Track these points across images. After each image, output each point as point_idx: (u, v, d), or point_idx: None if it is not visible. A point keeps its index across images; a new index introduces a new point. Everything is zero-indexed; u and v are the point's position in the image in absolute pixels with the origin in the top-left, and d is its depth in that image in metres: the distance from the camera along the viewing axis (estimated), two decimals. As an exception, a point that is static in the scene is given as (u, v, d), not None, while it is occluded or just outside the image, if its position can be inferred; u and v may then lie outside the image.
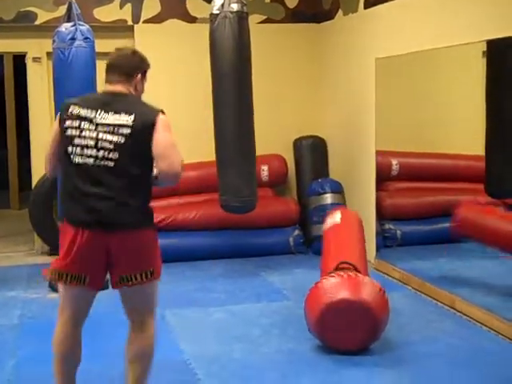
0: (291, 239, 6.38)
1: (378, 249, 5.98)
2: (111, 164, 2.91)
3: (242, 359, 3.98)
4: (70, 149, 2.97)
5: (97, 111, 2.97)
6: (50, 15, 6.42)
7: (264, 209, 6.30)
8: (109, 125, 2.93)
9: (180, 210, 6.32)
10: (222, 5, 5.39)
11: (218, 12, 5.41)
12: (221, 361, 3.95)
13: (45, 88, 6.51)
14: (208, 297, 5.22)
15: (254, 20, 6.78)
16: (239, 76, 5.47)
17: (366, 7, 6.05)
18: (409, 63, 5.82)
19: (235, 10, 5.39)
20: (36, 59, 6.61)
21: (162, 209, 6.33)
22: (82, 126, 2.97)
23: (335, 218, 4.85)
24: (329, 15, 6.80)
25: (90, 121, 2.96)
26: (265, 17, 6.92)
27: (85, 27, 5.27)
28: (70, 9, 5.31)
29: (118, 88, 3.06)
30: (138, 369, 3.02)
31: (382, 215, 6.09)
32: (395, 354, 3.78)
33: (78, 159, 2.95)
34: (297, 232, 6.43)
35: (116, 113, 2.95)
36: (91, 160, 2.92)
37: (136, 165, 2.92)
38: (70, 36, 5.17)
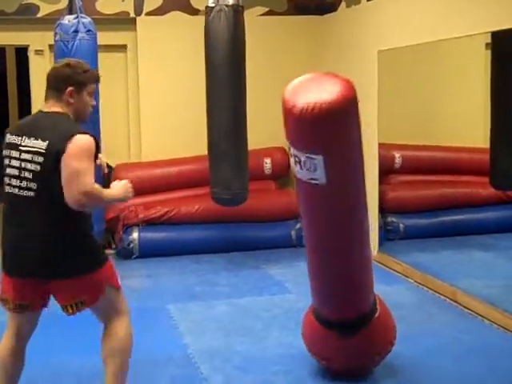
0: (293, 232, 6.38)
1: (380, 242, 5.98)
2: (32, 194, 2.78)
3: (245, 352, 3.99)
4: (5, 179, 2.87)
5: (22, 137, 2.83)
6: (52, 7, 6.40)
7: (266, 201, 6.30)
8: (28, 152, 2.78)
9: (182, 203, 6.32)
10: (218, -2, 5.41)
11: (213, 5, 5.42)
12: (223, 354, 3.96)
13: (47, 81, 6.49)
14: (210, 290, 5.23)
15: (256, 12, 6.77)
16: (233, 69, 5.47)
17: (368, -1, 6.03)
18: (411, 55, 5.81)
19: (231, 3, 5.40)
20: (38, 52, 6.59)
21: (164, 202, 6.34)
22: (10, 154, 2.85)
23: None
24: (332, 7, 6.78)
25: (16, 148, 2.83)
26: (267, 9, 6.90)
27: (87, 20, 5.27)
28: (72, 1, 5.31)
29: (49, 106, 2.91)
30: (110, 366, 3.00)
31: (384, 208, 6.08)
32: (396, 347, 3.77)
33: (8, 189, 2.85)
34: (299, 225, 6.42)
35: (35, 138, 2.78)
36: (16, 190, 2.81)
37: (61, 194, 2.71)
38: (72, 28, 5.18)
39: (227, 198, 5.60)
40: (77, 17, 5.20)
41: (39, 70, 6.59)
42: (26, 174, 2.78)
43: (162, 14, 6.69)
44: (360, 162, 2.98)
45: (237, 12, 5.45)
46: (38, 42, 6.53)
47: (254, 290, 5.20)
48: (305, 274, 5.43)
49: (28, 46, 6.62)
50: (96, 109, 5.25)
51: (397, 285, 5.23)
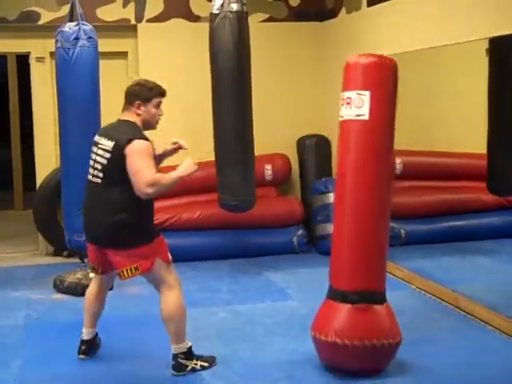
0: (295, 239, 6.37)
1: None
2: (99, 181, 3.65)
3: (246, 359, 3.98)
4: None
5: (101, 137, 3.70)
6: (53, 15, 6.41)
7: (268, 208, 6.30)
8: (101, 149, 3.65)
9: (184, 209, 6.32)
10: (222, 5, 5.41)
11: (217, 12, 5.42)
12: (225, 361, 3.95)
13: (48, 88, 6.50)
14: (212, 297, 5.22)
15: (256, 19, 6.77)
16: (238, 76, 5.47)
17: (369, 5, 6.04)
18: (412, 61, 5.81)
19: (235, 9, 5.40)
20: (39, 59, 6.60)
21: (166, 209, 6.33)
22: (93, 150, 3.73)
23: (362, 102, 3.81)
24: (332, 13, 6.79)
25: (96, 145, 3.71)
26: (267, 15, 6.91)
27: (88, 27, 5.27)
28: (72, 8, 5.31)
29: (124, 115, 3.74)
30: (167, 329, 3.76)
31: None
32: (398, 354, 3.76)
33: (88, 176, 3.75)
34: (300, 231, 6.43)
35: (107, 139, 3.64)
36: (90, 177, 3.72)
37: (117, 184, 3.58)
38: (73, 36, 5.18)
39: (235, 204, 5.61)
40: (78, 24, 5.20)
41: (40, 77, 6.62)
42: (98, 166, 3.64)
43: (162, 21, 6.70)
44: (394, 107, 3.78)
45: (241, 18, 5.45)
46: (39, 49, 6.54)
47: (255, 297, 5.20)
48: (307, 281, 5.48)
49: (29, 53, 6.63)
50: (98, 115, 5.34)
51: (398, 291, 5.21)
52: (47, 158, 6.60)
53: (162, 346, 4.20)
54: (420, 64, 6.05)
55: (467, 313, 4.65)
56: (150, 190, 3.49)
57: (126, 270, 3.63)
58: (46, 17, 6.44)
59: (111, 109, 6.42)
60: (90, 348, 4.00)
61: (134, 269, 3.62)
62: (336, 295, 3.72)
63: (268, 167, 6.65)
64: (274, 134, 6.71)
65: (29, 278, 5.80)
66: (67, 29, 5.19)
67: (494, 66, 5.50)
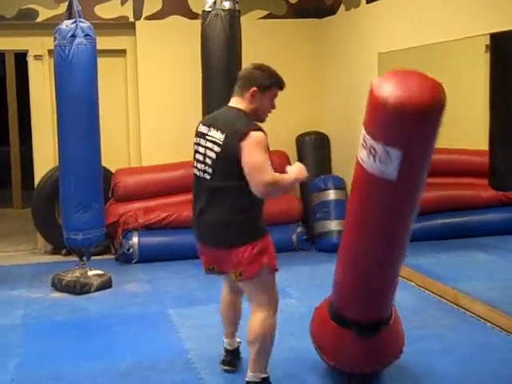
0: (294, 236, 6.35)
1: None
2: (208, 178, 3.24)
3: (245, 358, 3.95)
4: (194, 163, 3.37)
5: (209, 127, 3.28)
6: (51, 12, 6.40)
7: (266, 206, 6.23)
8: (211, 141, 3.23)
9: (182, 207, 6.30)
10: (214, 2, 5.43)
11: (210, 9, 5.44)
12: (224, 359, 3.93)
13: (47, 85, 6.49)
14: (211, 294, 5.18)
15: (255, 15, 6.76)
16: (229, 73, 5.46)
17: (368, 2, 6.02)
18: (411, 58, 5.79)
19: (227, 7, 5.42)
20: (37, 57, 6.59)
21: (165, 206, 6.32)
22: (199, 142, 3.32)
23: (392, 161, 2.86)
24: (331, 10, 6.77)
25: (204, 137, 3.29)
26: (266, 12, 6.89)
27: (85, 24, 5.25)
28: (70, 6, 5.30)
29: (233, 101, 3.31)
30: (250, 350, 3.38)
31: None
32: (399, 352, 3.76)
33: (195, 171, 3.35)
34: (300, 229, 6.41)
35: (217, 130, 3.22)
36: (200, 173, 3.30)
37: (228, 180, 3.18)
38: (70, 33, 5.16)
39: None
40: (75, 21, 5.19)
41: (38, 74, 6.60)
42: (207, 160, 3.23)
43: (161, 19, 6.69)
44: (428, 167, 3.05)
45: (233, 17, 5.48)
46: (37, 47, 6.53)
47: (254, 295, 5.17)
48: (306, 278, 5.46)
49: (27, 51, 6.61)
50: (96, 113, 5.32)
51: (398, 288, 5.19)
52: (45, 157, 6.58)
53: (161, 345, 4.20)
54: (420, 60, 6.03)
55: (467, 310, 4.64)
56: (266, 190, 3.12)
57: (239, 273, 3.26)
58: (44, 14, 6.42)
59: (110, 106, 6.48)
60: (234, 358, 3.79)
61: (239, 274, 3.26)
62: (338, 318, 3.46)
63: (267, 165, 6.62)
64: (272, 131, 6.57)
65: (27, 277, 5.79)
66: (64, 26, 5.17)
67: (494, 61, 5.48)
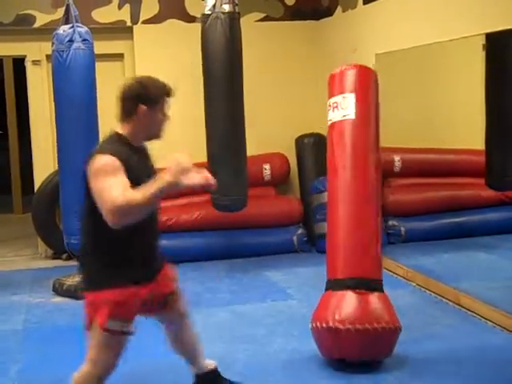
0: (295, 238, 6.36)
1: (382, 246, 5.95)
2: (81, 206, 2.83)
3: (247, 359, 3.96)
4: None
5: None
6: (48, 18, 6.40)
7: (267, 208, 6.29)
8: None
9: (181, 211, 6.30)
10: (214, 5, 5.43)
11: (209, 12, 5.43)
12: (226, 361, 3.91)
13: (45, 91, 6.50)
14: (212, 297, 5.20)
15: (252, 18, 6.77)
16: (229, 76, 5.48)
17: (364, 3, 6.02)
18: (409, 58, 5.80)
19: (227, 10, 5.42)
20: (35, 62, 6.60)
21: (164, 210, 6.30)
22: None
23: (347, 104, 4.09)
24: (328, 12, 6.78)
25: None
26: (264, 15, 6.90)
27: (83, 29, 5.26)
28: (68, 11, 5.31)
29: (119, 127, 2.86)
30: None
31: (385, 212, 6.04)
32: (400, 350, 3.75)
33: None
34: (300, 230, 6.41)
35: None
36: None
37: (85, 215, 2.79)
38: (68, 38, 5.17)
39: (227, 204, 5.61)
40: (72, 26, 5.19)
41: (36, 80, 6.60)
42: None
43: (158, 22, 6.69)
44: (377, 107, 4.11)
45: (233, 19, 5.47)
46: (35, 52, 6.53)
47: (255, 297, 5.18)
48: (307, 280, 5.46)
49: (25, 56, 6.61)
50: (94, 117, 5.32)
51: (399, 289, 5.21)
52: (45, 161, 6.58)
53: (163, 348, 4.19)
54: (417, 61, 6.04)
55: (468, 310, 4.64)
56: (114, 218, 2.55)
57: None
58: (41, 19, 6.42)
59: (108, 111, 6.45)
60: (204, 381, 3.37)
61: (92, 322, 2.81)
62: (333, 284, 3.82)
63: (266, 167, 6.64)
64: (271, 133, 6.70)
65: (28, 282, 5.78)
66: (61, 31, 5.18)
67: (490, 61, 5.49)
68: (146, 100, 2.78)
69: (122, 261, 2.79)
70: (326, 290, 3.85)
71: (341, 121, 4.04)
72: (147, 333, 4.45)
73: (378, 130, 4.10)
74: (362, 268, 3.81)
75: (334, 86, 4.17)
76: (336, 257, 3.91)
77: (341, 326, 3.61)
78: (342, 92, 4.07)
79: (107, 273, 2.78)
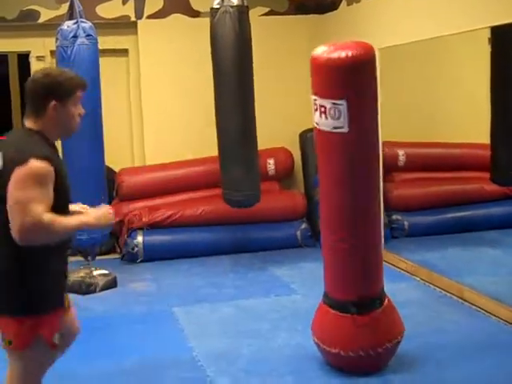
0: (298, 233, 6.36)
1: (385, 240, 5.95)
2: None
3: (251, 354, 3.97)
4: None
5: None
6: (52, 13, 6.40)
7: (271, 202, 6.28)
8: None
9: (186, 206, 6.31)
10: (222, -1, 5.40)
11: (218, 6, 5.41)
12: (230, 357, 3.95)
13: (49, 86, 6.49)
14: (216, 292, 5.22)
15: (257, 12, 6.75)
16: (240, 70, 5.46)
17: (369, -3, 6.01)
18: (413, 52, 5.78)
19: (235, 4, 5.39)
20: (40, 58, 6.60)
21: (169, 205, 6.33)
22: None
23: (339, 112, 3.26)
24: (332, 6, 6.76)
25: None
26: (268, 9, 6.89)
27: (87, 24, 5.26)
28: (72, 6, 5.31)
29: (28, 123, 2.59)
30: None
31: (389, 206, 6.06)
32: (404, 345, 3.75)
33: None
34: (304, 225, 6.42)
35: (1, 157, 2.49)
36: None
37: (2, 225, 2.43)
38: (72, 34, 5.17)
39: (240, 199, 5.61)
40: (76, 22, 5.20)
41: (41, 75, 6.60)
42: None
43: (162, 17, 6.69)
44: (376, 114, 3.36)
45: (242, 12, 5.44)
46: (39, 48, 6.53)
47: (260, 292, 5.19)
48: (311, 275, 5.47)
49: (29, 52, 6.62)
50: (99, 113, 5.33)
51: (403, 283, 5.22)
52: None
53: (167, 343, 4.21)
54: (422, 54, 6.02)
55: (472, 304, 4.64)
56: (26, 235, 2.35)
57: (5, 341, 2.55)
58: (45, 15, 6.43)
59: (113, 106, 6.49)
60: None
61: (9, 342, 2.53)
62: (334, 304, 3.63)
63: (271, 161, 6.64)
64: (276, 128, 6.70)
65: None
66: (65, 27, 5.19)
67: (496, 55, 5.47)
68: (57, 94, 2.54)
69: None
70: (325, 303, 3.69)
71: (330, 132, 3.29)
72: (152, 331, 4.49)
73: (376, 141, 3.45)
74: (364, 289, 3.57)
75: (319, 80, 3.32)
76: (334, 275, 3.63)
77: (343, 353, 3.55)
78: (330, 95, 3.23)
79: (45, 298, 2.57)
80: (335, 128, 3.24)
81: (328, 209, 3.56)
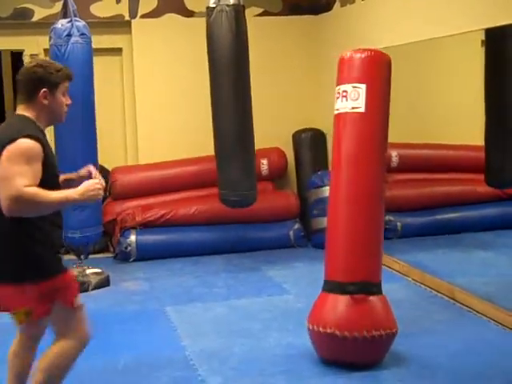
0: (291, 233, 6.37)
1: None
2: None
3: (243, 354, 3.98)
4: None
5: None
6: (46, 12, 6.40)
7: (264, 202, 6.29)
8: None
9: (180, 205, 6.32)
10: (219, -2, 5.41)
11: (214, 5, 5.41)
12: (222, 356, 3.95)
13: (43, 85, 6.49)
14: (209, 292, 5.22)
15: (251, 13, 6.75)
16: (237, 69, 5.47)
17: (363, -2, 6.03)
18: (407, 54, 5.80)
19: (231, 3, 5.39)
20: (33, 56, 6.58)
21: (162, 204, 6.34)
22: None
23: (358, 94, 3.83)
24: (326, 7, 6.78)
25: None
26: (262, 9, 6.90)
27: (81, 23, 5.26)
28: (66, 5, 5.30)
29: (20, 109, 2.82)
30: (35, 378, 2.92)
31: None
32: (395, 345, 3.77)
33: None
34: (297, 225, 6.43)
35: None
36: None
37: None
38: (66, 32, 5.17)
39: (237, 199, 5.61)
40: (70, 20, 5.20)
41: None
42: None
43: (156, 17, 6.69)
44: (388, 99, 3.86)
45: (238, 12, 5.44)
46: (32, 46, 6.52)
47: (252, 292, 5.19)
48: (304, 275, 5.48)
49: (23, 50, 6.61)
50: (92, 112, 5.32)
51: (395, 283, 5.23)
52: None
53: (159, 342, 4.22)
54: (415, 56, 6.04)
55: (463, 305, 4.66)
56: (12, 206, 2.55)
57: (16, 315, 2.80)
58: (39, 13, 6.42)
59: (107, 105, 6.48)
60: None
61: (25, 314, 2.78)
62: (333, 287, 3.73)
63: (264, 162, 6.65)
64: (269, 128, 6.71)
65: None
66: (59, 25, 5.18)
67: (489, 57, 5.49)
68: (47, 83, 2.78)
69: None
70: (324, 290, 3.79)
71: (349, 113, 3.81)
72: (145, 330, 4.49)
73: (387, 124, 3.87)
74: (363, 272, 3.71)
75: (344, 72, 3.89)
76: (336, 258, 3.79)
77: (338, 333, 3.59)
78: (352, 81, 3.82)
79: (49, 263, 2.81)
80: (353, 108, 3.76)
81: (338, 191, 3.86)
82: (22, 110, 2.80)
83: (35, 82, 2.78)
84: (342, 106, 3.82)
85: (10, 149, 2.61)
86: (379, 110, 3.82)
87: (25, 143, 2.63)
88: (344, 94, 3.81)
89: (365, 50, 3.87)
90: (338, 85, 3.88)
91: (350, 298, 3.65)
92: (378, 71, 3.85)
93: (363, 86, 3.77)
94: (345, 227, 3.78)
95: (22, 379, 3.01)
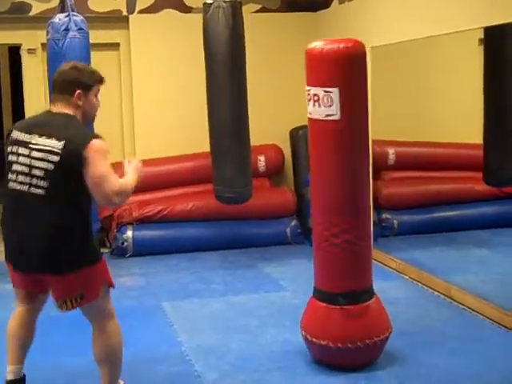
0: (288, 230, 6.37)
1: (374, 238, 5.96)
2: (42, 192, 2.88)
3: (239, 350, 3.99)
4: (10, 175, 2.98)
5: (32, 135, 2.95)
6: (44, 6, 6.37)
7: (261, 199, 6.29)
8: (40, 150, 2.89)
9: (176, 201, 6.31)
10: (216, -6, 5.40)
11: (211, 1, 5.41)
12: (218, 352, 3.96)
13: (40, 79, 6.47)
14: (205, 288, 5.22)
15: (249, 9, 6.75)
16: (233, 65, 5.46)
17: (361, -5, 6.02)
18: (405, 52, 5.80)
19: (228, -1, 5.39)
20: (31, 51, 6.57)
21: (159, 200, 6.33)
22: (19, 151, 2.96)
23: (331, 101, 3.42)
24: (324, 4, 6.77)
25: (25, 145, 2.94)
26: (260, 6, 6.89)
27: (79, 18, 5.26)
28: (63, 0, 5.29)
29: (58, 107, 3.02)
30: (103, 368, 3.23)
31: (378, 205, 6.08)
32: (391, 343, 3.77)
33: (14, 185, 2.96)
34: (294, 222, 6.43)
35: (49, 137, 2.89)
36: (25, 187, 2.92)
37: (67, 194, 2.90)
38: (63, 27, 5.17)
39: (232, 196, 5.61)
40: (68, 15, 5.19)
41: (32, 68, 6.58)
42: (37, 172, 2.88)
43: (154, 12, 6.68)
44: (366, 104, 3.53)
45: (235, 8, 5.44)
46: (30, 40, 6.51)
47: (248, 288, 5.20)
48: (300, 271, 5.49)
49: (21, 44, 6.59)
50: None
51: (392, 281, 5.24)
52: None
53: (156, 338, 4.22)
54: (413, 54, 6.04)
55: (460, 303, 4.67)
56: (116, 198, 2.92)
57: (68, 301, 3.00)
58: (37, 8, 6.40)
59: (104, 100, 6.42)
60: None
61: (79, 298, 3.00)
62: (324, 297, 3.68)
63: (261, 158, 6.64)
64: (266, 125, 6.70)
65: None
66: (57, 20, 5.18)
67: (488, 55, 5.49)
68: (81, 84, 3.02)
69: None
70: (315, 298, 3.74)
71: (323, 121, 3.43)
72: (141, 325, 4.48)
73: (367, 129, 3.56)
74: (353, 281, 3.63)
75: (313, 72, 3.48)
76: (325, 268, 3.69)
77: (332, 345, 3.57)
78: (323, 83, 3.39)
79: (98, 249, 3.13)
80: (328, 116, 3.40)
81: (320, 200, 3.64)
82: (62, 109, 3.00)
83: (71, 84, 3.00)
84: (315, 111, 3.45)
85: (96, 148, 2.87)
86: (356, 114, 3.45)
87: (103, 142, 2.93)
88: (315, 98, 3.41)
89: (335, 41, 3.44)
90: (307, 85, 3.49)
91: (342, 309, 3.60)
92: (352, 69, 3.42)
93: (336, 91, 3.35)
94: (331, 238, 3.60)
95: (27, 348, 3.30)
